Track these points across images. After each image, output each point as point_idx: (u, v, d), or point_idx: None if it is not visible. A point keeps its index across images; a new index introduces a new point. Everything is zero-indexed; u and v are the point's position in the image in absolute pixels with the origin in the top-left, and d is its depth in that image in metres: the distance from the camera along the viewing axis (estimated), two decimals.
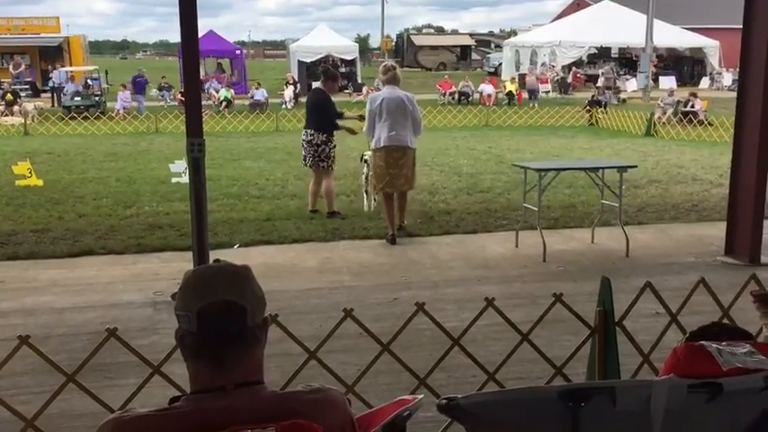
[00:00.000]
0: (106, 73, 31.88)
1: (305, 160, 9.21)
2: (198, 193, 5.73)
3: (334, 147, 9.14)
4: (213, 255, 7.18)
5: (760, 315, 2.66)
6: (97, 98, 24.66)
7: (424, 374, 3.81)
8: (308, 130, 9.12)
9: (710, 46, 37.56)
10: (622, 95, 27.19)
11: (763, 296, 2.73)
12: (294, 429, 1.51)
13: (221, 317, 1.58)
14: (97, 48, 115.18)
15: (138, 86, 25.74)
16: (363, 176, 9.46)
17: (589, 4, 43.88)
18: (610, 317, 3.39)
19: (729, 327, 1.99)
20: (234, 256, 7.52)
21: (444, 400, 1.91)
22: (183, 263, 6.79)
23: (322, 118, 9.04)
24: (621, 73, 28.98)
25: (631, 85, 29.24)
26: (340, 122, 9.33)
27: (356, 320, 3.56)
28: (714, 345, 1.81)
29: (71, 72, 28.12)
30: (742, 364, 1.78)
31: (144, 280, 6.55)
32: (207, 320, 1.58)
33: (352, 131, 9.47)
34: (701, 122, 19.22)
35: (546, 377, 3.88)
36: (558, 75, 34.13)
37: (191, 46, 5.59)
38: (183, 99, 24.43)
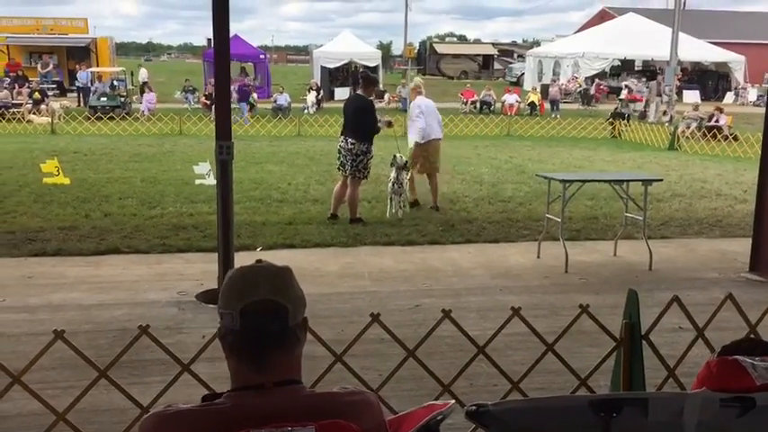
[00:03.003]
0: (132, 74, 32.30)
1: (342, 167, 9.01)
2: (225, 196, 5.80)
3: (372, 157, 9.04)
4: (237, 257, 7.25)
5: None
6: (123, 99, 24.98)
7: (445, 382, 3.83)
8: (349, 139, 8.87)
9: (736, 60, 37.25)
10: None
11: None
12: (334, 429, 1.54)
13: (264, 316, 1.62)
14: (123, 49, 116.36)
15: (243, 95, 25.42)
16: (390, 182, 9.42)
17: (613, 16, 43.70)
18: (636, 329, 3.38)
19: (763, 342, 1.99)
20: (257, 258, 7.55)
21: (474, 407, 1.92)
22: (206, 264, 6.88)
23: (363, 125, 8.86)
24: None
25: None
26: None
27: (382, 325, 3.59)
28: (748, 359, 1.82)
29: (98, 73, 28.49)
30: None
31: (168, 279, 6.62)
32: (250, 319, 1.61)
33: (389, 125, 9.76)
34: (725, 138, 19.06)
35: (568, 388, 3.88)
36: (581, 86, 34.02)
37: (222, 51, 5.66)
38: (206, 102, 24.72)
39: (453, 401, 1.99)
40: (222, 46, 5.61)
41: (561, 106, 28.38)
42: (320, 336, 5.16)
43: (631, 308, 3.39)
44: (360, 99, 9.16)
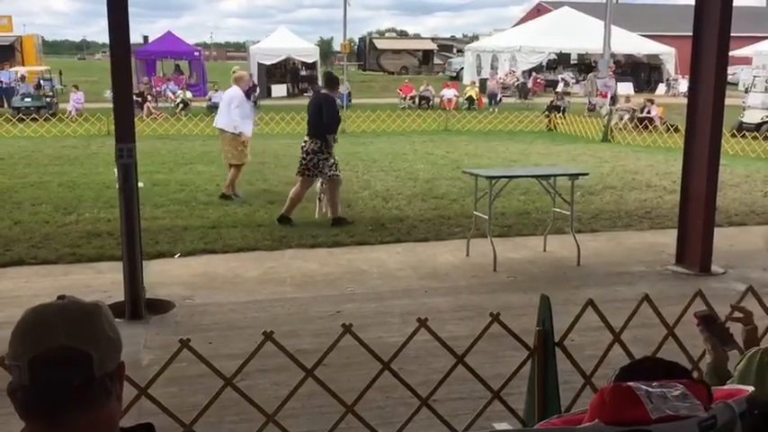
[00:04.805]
0: (60, 73, 31.03)
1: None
2: (128, 203, 5.42)
3: (326, 158, 8.58)
4: (151, 264, 6.87)
5: (704, 339, 2.49)
6: (48, 99, 23.95)
7: (358, 394, 3.61)
8: (306, 137, 8.74)
9: (667, 53, 38.15)
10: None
11: (707, 317, 2.56)
12: None
13: (60, 367, 1.31)
14: (55, 48, 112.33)
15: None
16: (318, 182, 9.14)
17: (549, 10, 44.26)
18: (549, 337, 3.20)
19: (664, 362, 1.79)
20: (174, 265, 7.20)
21: None
22: (118, 274, 6.42)
23: (321, 123, 8.51)
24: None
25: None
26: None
27: (276, 343, 3.32)
28: (644, 387, 1.62)
29: (22, 72, 27.28)
30: (673, 410, 1.58)
31: (73, 293, 5.93)
32: (42, 372, 1.31)
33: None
34: (656, 129, 19.37)
35: (487, 397, 3.69)
36: (518, 80, 34.28)
37: (121, 45, 5.28)
38: (138, 100, 23.89)
39: None
40: (120, 40, 5.22)
41: (498, 100, 28.49)
42: (231, 349, 4.84)
43: (544, 314, 3.21)
44: (320, 97, 8.85)
